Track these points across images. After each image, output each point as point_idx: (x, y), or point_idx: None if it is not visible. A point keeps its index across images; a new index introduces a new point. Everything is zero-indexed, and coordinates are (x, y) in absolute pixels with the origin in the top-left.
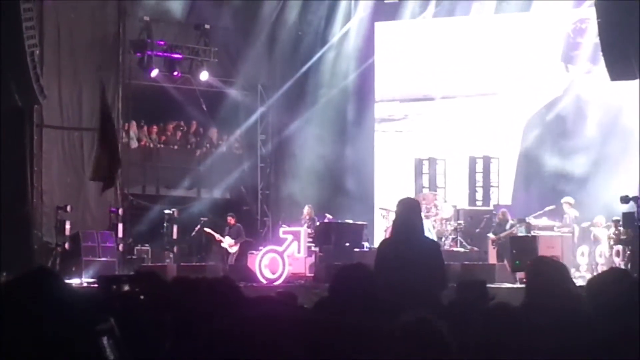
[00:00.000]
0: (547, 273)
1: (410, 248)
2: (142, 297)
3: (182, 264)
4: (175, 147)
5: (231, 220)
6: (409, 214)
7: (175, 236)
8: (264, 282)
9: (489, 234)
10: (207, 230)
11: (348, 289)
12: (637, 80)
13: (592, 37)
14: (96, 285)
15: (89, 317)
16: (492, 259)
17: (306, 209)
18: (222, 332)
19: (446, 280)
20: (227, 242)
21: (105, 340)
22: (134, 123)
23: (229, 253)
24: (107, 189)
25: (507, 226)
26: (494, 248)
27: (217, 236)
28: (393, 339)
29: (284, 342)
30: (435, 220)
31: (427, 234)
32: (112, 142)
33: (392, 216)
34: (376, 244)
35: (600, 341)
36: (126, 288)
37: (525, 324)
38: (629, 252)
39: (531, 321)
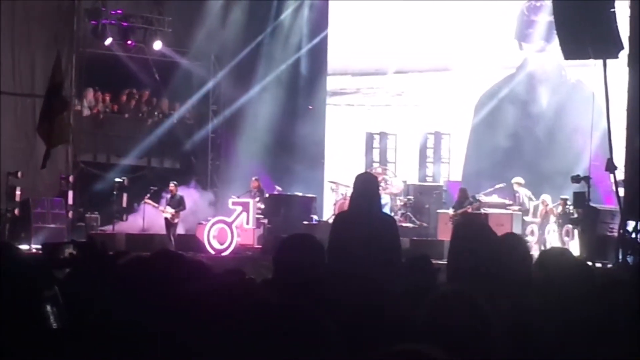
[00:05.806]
0: (469, 231)
1: (368, 223)
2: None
3: (130, 232)
4: (127, 115)
5: (173, 188)
6: (366, 188)
7: (124, 205)
8: (212, 252)
9: (438, 210)
10: (148, 201)
11: (293, 260)
12: (590, 60)
13: (546, 15)
14: (41, 252)
15: (34, 285)
16: (441, 234)
17: (252, 182)
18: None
19: (401, 256)
20: (169, 213)
21: (49, 307)
22: (90, 91)
23: (171, 224)
24: (44, 162)
25: (466, 203)
26: (450, 224)
27: (161, 207)
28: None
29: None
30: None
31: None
32: (55, 115)
33: (342, 190)
34: (325, 217)
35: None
36: (69, 253)
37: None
38: (578, 232)
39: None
